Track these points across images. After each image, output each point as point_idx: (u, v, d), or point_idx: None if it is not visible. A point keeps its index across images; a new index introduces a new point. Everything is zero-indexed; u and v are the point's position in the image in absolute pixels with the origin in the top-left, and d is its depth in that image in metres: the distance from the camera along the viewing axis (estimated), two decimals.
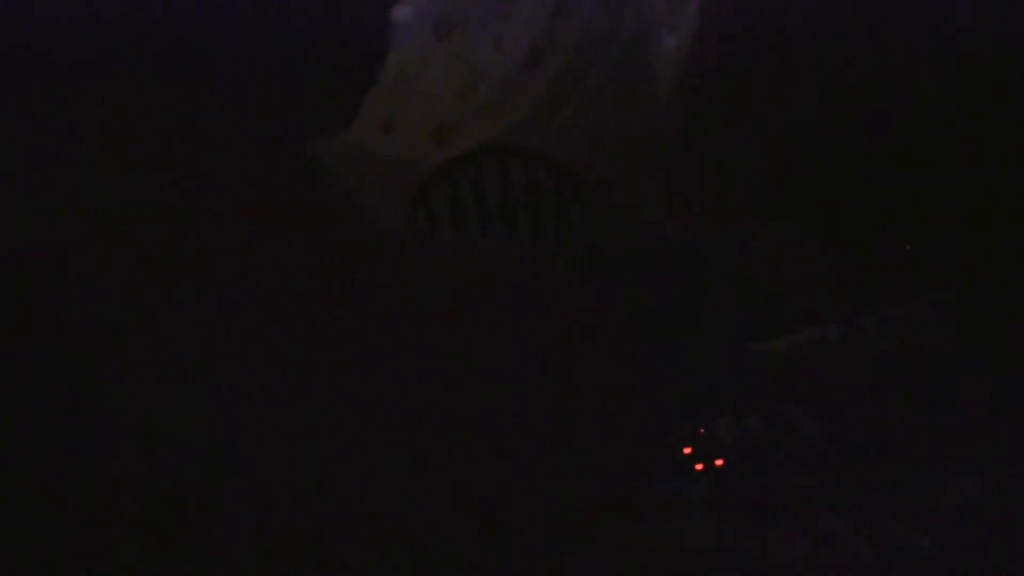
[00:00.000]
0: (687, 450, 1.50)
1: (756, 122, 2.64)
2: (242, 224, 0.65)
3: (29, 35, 0.58)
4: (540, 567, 0.65)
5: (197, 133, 0.65)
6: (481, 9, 3.01)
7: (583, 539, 0.66)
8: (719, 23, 2.70)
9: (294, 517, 0.60)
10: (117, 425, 0.60)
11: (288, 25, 0.64)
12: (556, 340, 0.66)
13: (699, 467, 1.47)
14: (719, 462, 1.48)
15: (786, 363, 1.96)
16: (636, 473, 0.73)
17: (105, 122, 0.61)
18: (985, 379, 1.86)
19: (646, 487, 1.37)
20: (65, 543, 0.59)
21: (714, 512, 1.47)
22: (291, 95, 0.67)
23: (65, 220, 0.61)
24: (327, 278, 0.66)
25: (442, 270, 0.69)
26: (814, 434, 1.70)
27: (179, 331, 0.61)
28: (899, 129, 2.43)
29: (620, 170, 3.04)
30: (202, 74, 0.62)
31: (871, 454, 1.70)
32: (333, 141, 2.65)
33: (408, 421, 0.62)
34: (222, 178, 0.66)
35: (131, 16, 0.59)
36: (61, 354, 0.60)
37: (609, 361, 0.69)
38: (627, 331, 0.72)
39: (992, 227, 2.26)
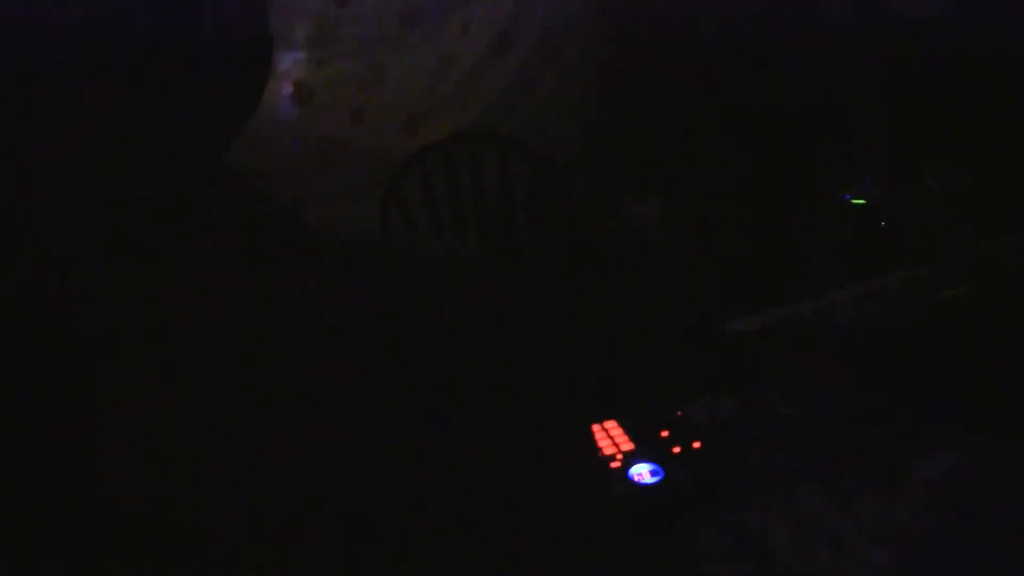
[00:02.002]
0: (664, 433, 1.51)
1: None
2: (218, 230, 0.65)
3: (29, 34, 0.58)
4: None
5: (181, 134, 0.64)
6: None
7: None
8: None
9: (289, 523, 0.60)
10: (115, 430, 0.60)
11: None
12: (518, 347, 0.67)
13: (676, 450, 1.48)
14: (696, 444, 1.49)
15: (760, 342, 1.98)
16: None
17: (102, 125, 0.61)
18: (959, 353, 1.88)
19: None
20: (60, 548, 0.59)
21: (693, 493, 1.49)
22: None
23: (63, 222, 0.61)
24: (309, 282, 0.66)
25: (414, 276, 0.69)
26: (790, 413, 1.71)
27: (175, 336, 0.61)
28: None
29: (587, 153, 3.06)
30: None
31: (847, 431, 1.71)
32: (307, 134, 2.63)
33: (393, 425, 0.62)
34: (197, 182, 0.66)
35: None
36: (59, 358, 0.60)
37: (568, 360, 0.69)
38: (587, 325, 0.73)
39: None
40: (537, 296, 0.68)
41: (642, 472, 1.43)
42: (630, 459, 1.45)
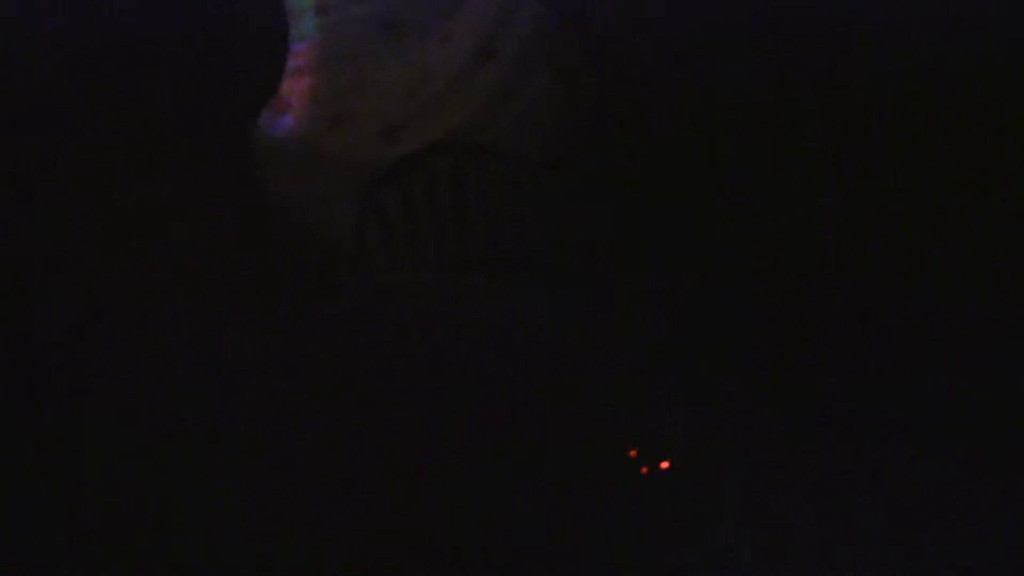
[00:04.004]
0: (632, 453, 1.49)
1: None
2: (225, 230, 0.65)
3: (26, 37, 0.58)
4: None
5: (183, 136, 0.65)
6: (429, 6, 3.00)
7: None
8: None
9: (277, 524, 0.61)
10: (106, 428, 0.60)
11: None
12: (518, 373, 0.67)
13: (644, 471, 1.47)
14: (664, 465, 1.48)
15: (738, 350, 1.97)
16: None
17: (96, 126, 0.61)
18: (946, 359, 1.88)
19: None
20: (52, 543, 0.59)
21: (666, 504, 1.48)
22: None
23: (56, 224, 0.61)
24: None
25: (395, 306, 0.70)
26: (763, 421, 1.71)
27: (168, 336, 0.61)
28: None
29: (569, 164, 3.05)
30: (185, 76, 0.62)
31: (825, 438, 1.71)
32: (285, 139, 2.64)
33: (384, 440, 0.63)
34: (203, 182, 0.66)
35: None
36: (49, 357, 0.60)
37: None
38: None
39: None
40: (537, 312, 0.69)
41: None
42: None
